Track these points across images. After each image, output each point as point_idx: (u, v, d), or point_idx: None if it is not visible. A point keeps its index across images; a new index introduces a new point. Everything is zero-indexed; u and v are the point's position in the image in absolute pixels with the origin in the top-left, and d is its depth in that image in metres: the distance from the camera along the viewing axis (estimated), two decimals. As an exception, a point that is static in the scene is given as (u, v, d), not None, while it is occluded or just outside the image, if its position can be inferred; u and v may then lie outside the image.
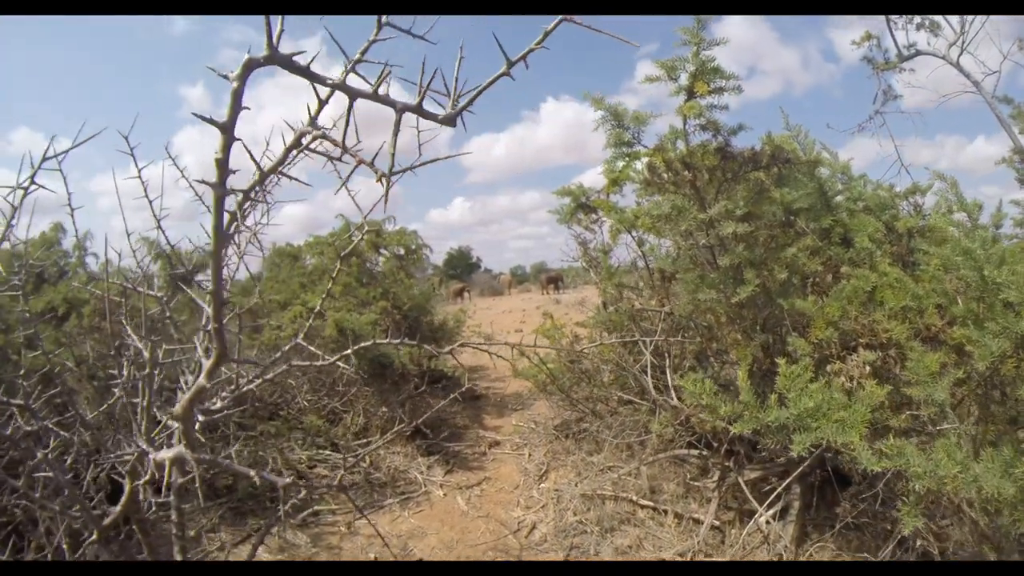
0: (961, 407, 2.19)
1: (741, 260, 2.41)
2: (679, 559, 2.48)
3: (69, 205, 1.50)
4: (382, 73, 0.75)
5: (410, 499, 3.36)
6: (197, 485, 1.17)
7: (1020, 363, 1.74)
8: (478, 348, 1.78)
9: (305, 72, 0.71)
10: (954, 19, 5.78)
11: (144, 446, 1.14)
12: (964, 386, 2.06)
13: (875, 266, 2.24)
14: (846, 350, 2.24)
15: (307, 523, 2.99)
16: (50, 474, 1.24)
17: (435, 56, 0.97)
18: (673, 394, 3.00)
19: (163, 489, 1.53)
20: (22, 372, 1.59)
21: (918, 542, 2.09)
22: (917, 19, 5.85)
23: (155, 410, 1.26)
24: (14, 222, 1.44)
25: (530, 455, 3.92)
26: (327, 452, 3.67)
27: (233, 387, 1.62)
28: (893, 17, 5.88)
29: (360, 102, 0.84)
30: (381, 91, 0.76)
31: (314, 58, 0.93)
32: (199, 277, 2.40)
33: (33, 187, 1.25)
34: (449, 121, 0.81)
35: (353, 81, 0.81)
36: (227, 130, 0.69)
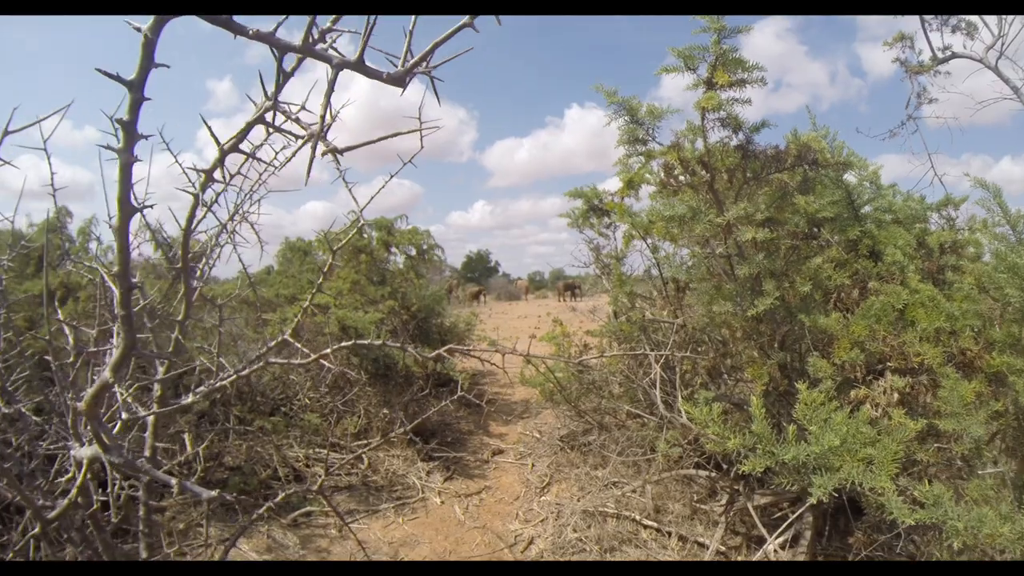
0: (992, 443, 1.99)
1: (760, 270, 2.24)
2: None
3: (52, 185, 1.46)
4: (308, 25, 0.65)
5: (406, 505, 3.27)
6: (194, 479, 1.09)
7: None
8: (464, 352, 1.68)
9: (227, 23, 0.62)
10: (992, 21, 5.48)
11: (71, 442, 1.08)
12: (1001, 420, 1.87)
13: (906, 282, 2.06)
14: (872, 374, 2.07)
15: (298, 523, 2.91)
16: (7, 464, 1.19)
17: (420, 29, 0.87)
18: (683, 411, 2.85)
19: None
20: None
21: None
22: (953, 20, 5.56)
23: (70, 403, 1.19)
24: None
25: (533, 466, 3.80)
26: (324, 451, 3.60)
27: (212, 381, 1.55)
28: (927, 18, 5.60)
29: (379, 95, 0.75)
30: (320, 48, 0.67)
31: (280, 24, 0.85)
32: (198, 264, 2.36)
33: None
34: (396, 81, 0.72)
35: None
36: (135, 88, 0.61)
